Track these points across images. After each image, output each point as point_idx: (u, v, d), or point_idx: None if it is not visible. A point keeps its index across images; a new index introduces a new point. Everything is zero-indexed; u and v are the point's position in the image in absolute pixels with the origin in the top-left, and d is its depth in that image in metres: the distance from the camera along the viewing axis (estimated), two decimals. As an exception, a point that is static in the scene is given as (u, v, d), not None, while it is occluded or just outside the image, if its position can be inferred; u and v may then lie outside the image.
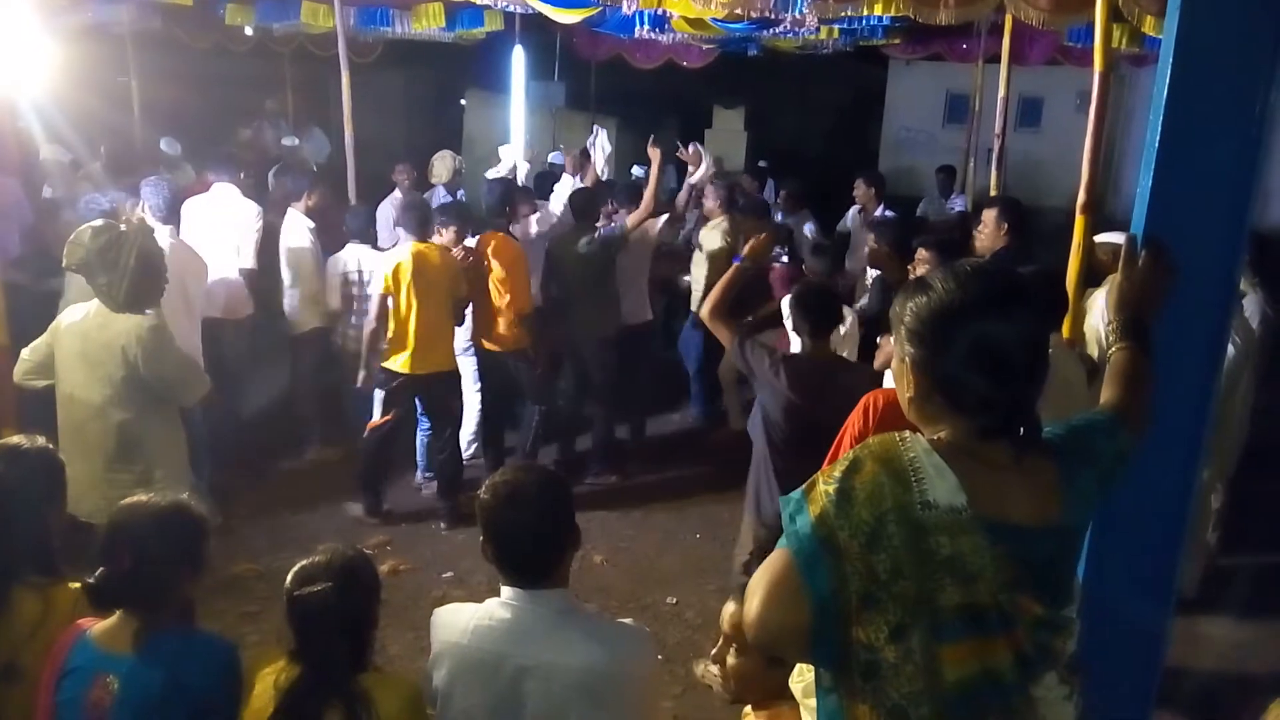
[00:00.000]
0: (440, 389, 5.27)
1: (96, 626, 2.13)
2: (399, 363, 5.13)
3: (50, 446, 2.52)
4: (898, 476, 1.38)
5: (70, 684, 2.07)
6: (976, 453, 1.44)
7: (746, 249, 3.91)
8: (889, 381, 3.67)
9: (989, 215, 4.70)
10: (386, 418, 5.27)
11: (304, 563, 2.05)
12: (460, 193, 6.74)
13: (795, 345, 4.27)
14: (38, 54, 4.57)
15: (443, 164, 7.70)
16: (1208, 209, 1.99)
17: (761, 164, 11.45)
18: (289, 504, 5.50)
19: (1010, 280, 1.47)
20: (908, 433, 1.46)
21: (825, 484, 1.40)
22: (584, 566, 4.82)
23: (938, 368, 1.45)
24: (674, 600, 4.69)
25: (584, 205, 5.89)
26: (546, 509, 2.04)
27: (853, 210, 7.66)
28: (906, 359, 1.49)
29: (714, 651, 2.10)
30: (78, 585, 2.31)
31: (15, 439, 2.51)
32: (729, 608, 2.05)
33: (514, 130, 9.50)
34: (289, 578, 2.04)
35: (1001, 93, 5.81)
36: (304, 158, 9.77)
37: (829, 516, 1.37)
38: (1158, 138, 1.98)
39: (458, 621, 2.06)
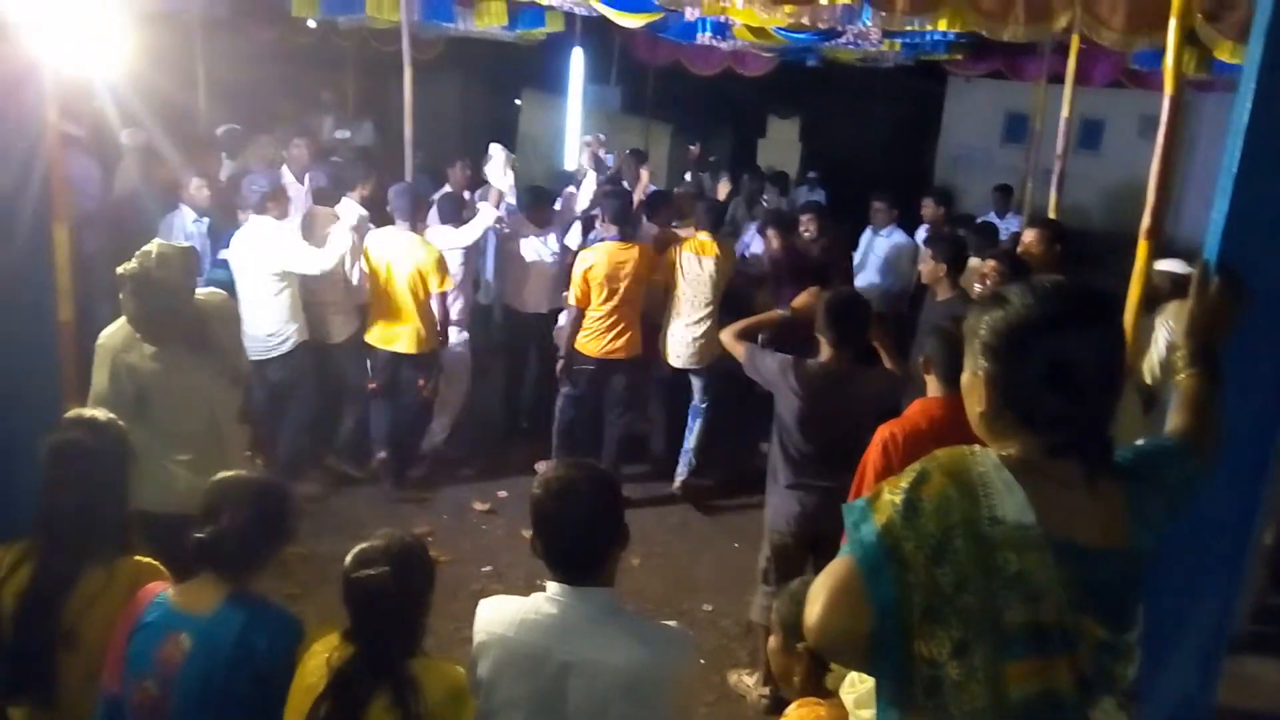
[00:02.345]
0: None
1: (175, 587, 2.19)
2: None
3: (120, 422, 2.57)
4: (966, 490, 1.37)
5: (142, 638, 2.14)
6: (1046, 471, 1.42)
7: (797, 301, 3.98)
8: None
9: (1031, 235, 4.87)
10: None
11: (362, 545, 2.10)
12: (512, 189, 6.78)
13: None
14: (114, 38, 4.68)
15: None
16: (1284, 237, 1.96)
17: (811, 175, 11.40)
18: (333, 489, 5.59)
19: (1089, 297, 1.45)
20: (977, 447, 1.45)
21: (891, 494, 1.39)
22: (620, 568, 4.79)
23: (1011, 383, 1.44)
24: (710, 608, 4.68)
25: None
26: (596, 506, 2.06)
27: (922, 229, 7.54)
28: (980, 373, 1.48)
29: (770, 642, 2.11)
30: (141, 559, 2.38)
31: (91, 412, 2.54)
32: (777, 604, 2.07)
33: (569, 131, 9.56)
34: (348, 559, 2.09)
35: (1065, 113, 5.73)
36: (366, 145, 9.88)
37: (895, 526, 1.36)
38: (1236, 163, 1.96)
39: (504, 614, 2.08)
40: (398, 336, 5.48)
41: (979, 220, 7.90)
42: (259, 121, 8.82)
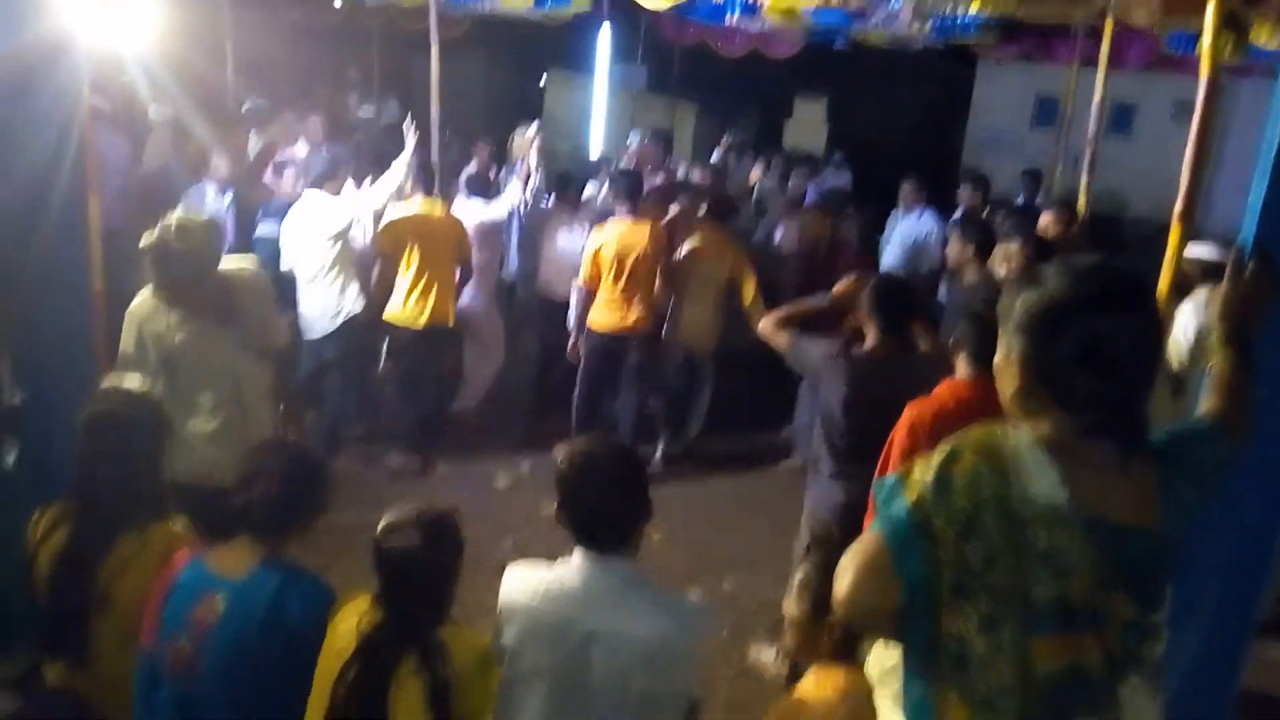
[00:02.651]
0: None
1: (211, 550, 2.23)
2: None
3: (156, 393, 2.59)
4: (997, 467, 1.37)
5: (177, 599, 2.18)
6: (1078, 450, 1.42)
7: (837, 288, 3.89)
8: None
9: (1047, 217, 5.19)
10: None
11: (393, 515, 2.13)
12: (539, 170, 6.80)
13: None
14: (144, 14, 4.72)
15: (523, 140, 7.73)
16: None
17: (836, 156, 11.32)
18: (357, 462, 5.64)
19: (1125, 278, 1.44)
20: (1009, 425, 1.45)
21: (922, 471, 1.40)
22: (642, 543, 4.85)
23: (1045, 363, 1.44)
24: (731, 584, 4.70)
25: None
26: (618, 480, 2.09)
27: (958, 213, 7.43)
28: (1014, 352, 1.48)
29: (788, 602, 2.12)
30: (174, 526, 2.42)
31: (128, 383, 2.55)
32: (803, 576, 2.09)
33: (595, 111, 9.53)
34: (379, 527, 2.12)
35: (1098, 97, 5.65)
36: (391, 122, 9.89)
37: (926, 502, 1.37)
38: (1274, 148, 1.94)
39: (529, 583, 2.11)
40: (434, 311, 5.48)
41: (1016, 203, 7.78)
42: (286, 97, 8.85)
